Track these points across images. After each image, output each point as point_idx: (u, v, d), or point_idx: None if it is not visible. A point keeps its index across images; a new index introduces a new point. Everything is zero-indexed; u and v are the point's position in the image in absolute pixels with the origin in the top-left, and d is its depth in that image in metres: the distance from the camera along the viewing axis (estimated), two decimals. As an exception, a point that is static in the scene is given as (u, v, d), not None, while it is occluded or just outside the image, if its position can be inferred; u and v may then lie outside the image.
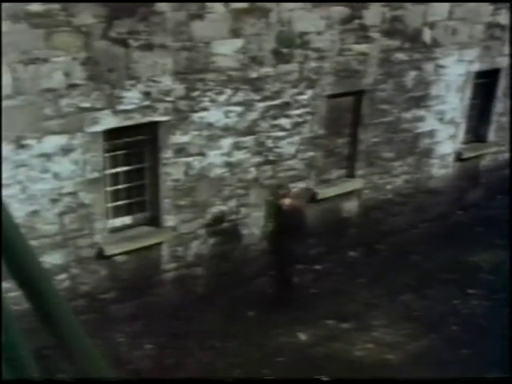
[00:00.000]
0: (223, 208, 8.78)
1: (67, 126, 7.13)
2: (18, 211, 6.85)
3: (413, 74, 10.21)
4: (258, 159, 8.88)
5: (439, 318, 8.77)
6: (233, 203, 8.85)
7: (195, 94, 7.99)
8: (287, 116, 8.97)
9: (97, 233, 7.77)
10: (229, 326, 8.33)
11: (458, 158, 11.45)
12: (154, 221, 8.32)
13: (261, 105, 8.63)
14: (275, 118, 8.85)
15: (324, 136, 9.56)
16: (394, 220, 10.82)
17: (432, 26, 10.13)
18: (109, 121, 7.41)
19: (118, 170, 7.96)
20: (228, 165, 8.61)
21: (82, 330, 1.56)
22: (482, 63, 11.04)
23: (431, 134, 10.89)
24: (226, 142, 8.48)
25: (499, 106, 11.68)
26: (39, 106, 6.90)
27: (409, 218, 11.02)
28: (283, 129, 8.99)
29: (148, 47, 7.44)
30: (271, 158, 9.02)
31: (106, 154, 7.70)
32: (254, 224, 9.11)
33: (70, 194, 7.40)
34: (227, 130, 8.42)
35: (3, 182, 6.72)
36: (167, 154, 8.01)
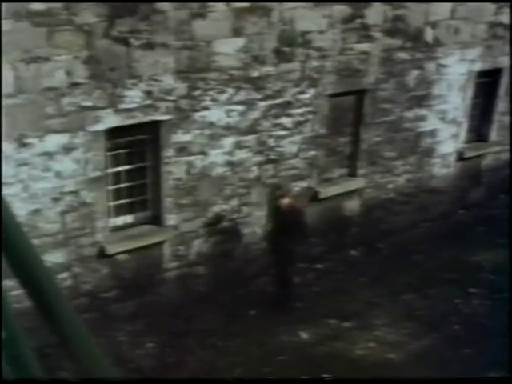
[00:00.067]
0: (225, 207, 8.78)
1: (69, 125, 7.14)
2: (19, 210, 6.86)
3: (415, 73, 10.20)
4: (259, 158, 8.88)
5: (441, 317, 8.76)
6: (234, 202, 8.85)
7: (197, 92, 7.99)
8: (289, 115, 8.97)
9: (98, 231, 7.77)
10: (230, 325, 8.33)
11: (460, 157, 11.43)
12: (156, 220, 8.33)
13: (262, 104, 8.63)
14: (277, 117, 8.85)
15: (326, 135, 9.56)
16: (395, 219, 10.82)
17: (434, 25, 10.12)
18: (110, 120, 7.42)
19: (120, 168, 7.96)
20: (230, 164, 8.61)
21: (85, 329, 1.56)
22: (484, 62, 11.02)
23: (433, 133, 10.88)
24: (228, 141, 8.48)
25: (501, 105, 11.66)
26: (41, 104, 6.90)
27: (410, 218, 11.01)
28: (285, 128, 8.99)
29: (150, 46, 7.44)
30: (273, 157, 9.01)
31: (108, 153, 7.70)
32: (256, 223, 9.11)
33: (71, 192, 7.41)
34: (229, 129, 8.42)
35: (5, 180, 6.73)
36: (169, 153, 8.02)
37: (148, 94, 7.59)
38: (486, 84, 11.38)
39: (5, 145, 6.74)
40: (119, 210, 8.14)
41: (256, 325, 8.40)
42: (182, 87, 7.84)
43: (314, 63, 8.95)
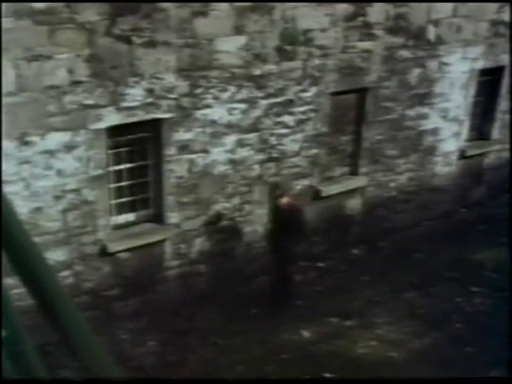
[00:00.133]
0: (226, 205, 8.78)
1: (70, 123, 7.14)
2: (21, 208, 6.86)
3: (417, 71, 10.18)
4: (261, 156, 8.87)
5: (442, 315, 8.76)
6: (236, 200, 8.85)
7: (198, 91, 7.99)
8: (291, 113, 8.96)
9: (100, 230, 7.77)
10: (232, 323, 8.33)
11: (462, 155, 11.42)
12: (158, 218, 8.33)
13: (264, 102, 8.63)
14: (279, 115, 8.84)
15: (327, 133, 9.55)
16: (397, 218, 10.81)
17: (436, 23, 10.10)
18: (112, 118, 7.41)
19: (122, 167, 7.96)
20: (231, 162, 8.60)
21: (87, 327, 1.55)
22: (486, 61, 11.01)
23: (435, 131, 10.87)
24: (230, 140, 8.48)
25: (503, 103, 11.64)
26: (42, 102, 6.90)
27: (412, 216, 11.00)
28: (287, 126, 8.98)
29: (151, 44, 7.44)
30: (274, 155, 9.01)
31: (110, 151, 7.70)
32: (257, 221, 9.11)
33: (73, 190, 7.41)
34: (230, 127, 8.42)
35: (7, 178, 6.74)
36: (170, 151, 8.01)
37: (150, 92, 7.59)
38: (488, 82, 11.37)
39: (6, 143, 6.74)
40: (121, 208, 8.14)
41: (257, 323, 8.39)
42: (183, 85, 7.84)
43: (316, 61, 8.95)
